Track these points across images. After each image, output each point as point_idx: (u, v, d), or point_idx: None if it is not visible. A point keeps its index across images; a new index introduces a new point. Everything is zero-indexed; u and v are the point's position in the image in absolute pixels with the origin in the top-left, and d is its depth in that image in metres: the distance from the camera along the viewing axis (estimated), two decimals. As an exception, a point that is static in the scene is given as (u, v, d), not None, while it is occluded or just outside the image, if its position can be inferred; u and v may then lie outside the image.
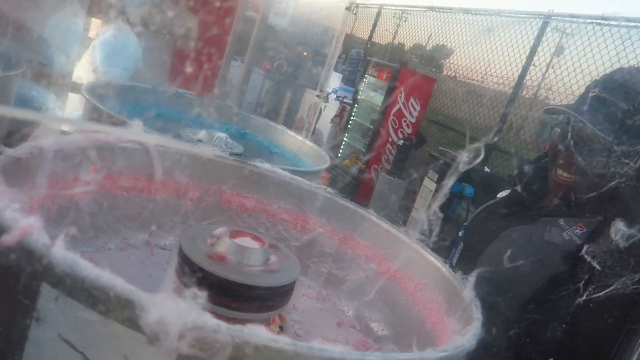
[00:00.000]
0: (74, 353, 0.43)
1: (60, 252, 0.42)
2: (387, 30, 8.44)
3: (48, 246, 0.42)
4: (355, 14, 7.04)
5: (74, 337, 0.43)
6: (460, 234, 1.35)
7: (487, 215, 1.32)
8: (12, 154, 0.60)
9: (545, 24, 4.71)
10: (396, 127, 5.23)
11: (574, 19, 4.37)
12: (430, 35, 7.02)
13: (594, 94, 1.09)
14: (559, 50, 4.82)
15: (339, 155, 5.85)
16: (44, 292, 0.44)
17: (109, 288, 0.40)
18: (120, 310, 0.40)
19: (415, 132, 5.30)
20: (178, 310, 0.38)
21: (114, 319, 0.41)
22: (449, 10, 6.32)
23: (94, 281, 0.40)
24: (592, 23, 4.11)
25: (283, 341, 0.40)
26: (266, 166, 0.97)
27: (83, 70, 2.02)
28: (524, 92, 5.17)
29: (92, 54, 1.96)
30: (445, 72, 6.75)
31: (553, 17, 4.62)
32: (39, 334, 0.45)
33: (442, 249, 1.16)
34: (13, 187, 0.55)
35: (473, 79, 5.93)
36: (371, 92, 5.75)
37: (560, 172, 1.12)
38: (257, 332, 0.40)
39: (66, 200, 0.75)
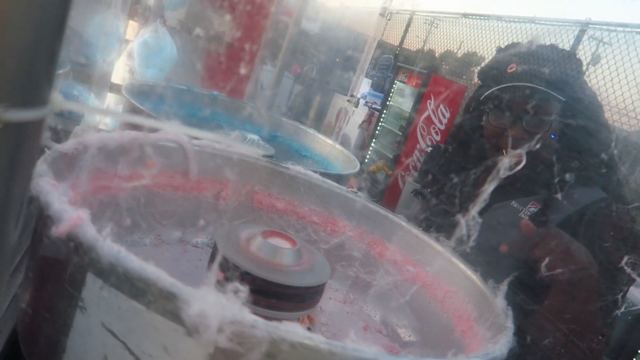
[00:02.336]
0: (115, 342, 0.45)
1: (107, 244, 0.44)
2: (417, 36, 8.39)
3: (95, 238, 0.44)
4: (389, 19, 7.02)
5: (116, 327, 0.45)
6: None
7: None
8: (59, 149, 0.63)
9: (582, 33, 4.61)
10: (425, 133, 5.19)
11: (612, 28, 4.26)
12: (462, 42, 6.95)
13: (513, 69, 1.12)
14: (595, 60, 4.70)
15: (366, 160, 5.84)
16: (89, 282, 0.46)
17: (152, 280, 0.41)
18: (163, 302, 0.42)
19: (444, 140, 5.25)
20: (219, 304, 0.39)
21: (156, 311, 0.43)
22: (482, 17, 6.25)
23: (138, 273, 0.42)
24: (631, 32, 4.00)
25: (318, 339, 0.41)
26: (298, 168, 0.98)
27: (121, 71, 2.09)
28: (558, 102, 5.06)
29: (130, 55, 2.02)
30: (476, 80, 6.65)
31: (590, 25, 4.52)
32: (83, 322, 0.47)
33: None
34: (60, 181, 0.58)
35: (505, 88, 5.82)
36: (400, 98, 5.73)
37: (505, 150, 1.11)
38: (294, 330, 0.41)
39: (106, 196, 0.77)
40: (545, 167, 1.09)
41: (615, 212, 1.06)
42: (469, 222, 0.57)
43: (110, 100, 1.79)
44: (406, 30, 8.52)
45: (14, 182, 0.22)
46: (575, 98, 1.09)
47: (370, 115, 6.25)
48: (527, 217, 1.07)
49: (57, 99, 0.24)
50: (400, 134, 5.43)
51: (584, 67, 1.27)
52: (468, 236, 0.59)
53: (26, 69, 0.21)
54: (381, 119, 5.94)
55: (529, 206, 1.11)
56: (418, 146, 5.22)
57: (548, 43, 1.25)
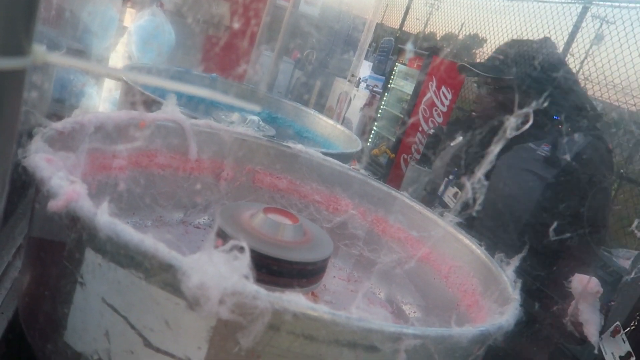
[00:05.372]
0: (116, 316, 0.44)
1: (104, 218, 0.43)
2: (418, 18, 8.30)
3: (92, 212, 0.43)
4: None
5: (116, 301, 0.44)
6: (450, 176, 1.59)
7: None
8: (55, 127, 0.62)
9: (585, 10, 4.54)
10: (427, 116, 5.15)
11: (616, 4, 4.19)
12: (463, 23, 6.86)
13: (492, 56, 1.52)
14: (599, 38, 4.64)
15: (368, 144, 5.82)
16: (88, 257, 0.45)
17: (151, 252, 0.40)
18: (162, 274, 0.41)
19: (446, 121, 5.22)
20: (219, 275, 0.38)
21: (156, 284, 0.42)
22: (483, -3, 6.16)
23: (137, 246, 0.41)
24: (635, 8, 3.93)
25: (321, 310, 0.40)
26: (299, 147, 0.97)
27: (118, 57, 2.06)
28: (561, 82, 5.01)
29: (127, 39, 2.00)
30: (478, 61, 6.59)
31: (593, 3, 4.45)
32: (83, 298, 0.46)
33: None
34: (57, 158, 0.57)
35: (507, 68, 5.76)
36: (402, 81, 5.68)
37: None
38: (296, 300, 0.40)
39: (105, 176, 0.77)
40: (545, 122, 1.43)
41: (604, 147, 1.42)
42: (474, 184, 0.57)
43: (108, 85, 1.77)
44: (406, 13, 8.42)
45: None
46: (544, 77, 1.44)
47: (371, 99, 6.20)
48: (542, 155, 1.39)
49: (39, 50, 0.23)
50: (402, 116, 5.40)
51: (559, 48, 1.75)
52: (474, 200, 0.59)
53: (4, 18, 0.20)
54: (383, 102, 5.90)
55: (542, 146, 1.40)
56: (420, 128, 5.19)
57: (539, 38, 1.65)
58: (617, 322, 1.04)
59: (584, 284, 1.08)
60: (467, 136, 1.62)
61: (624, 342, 1.00)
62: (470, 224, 1.21)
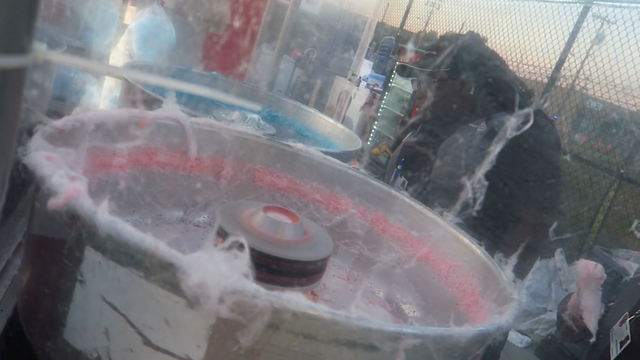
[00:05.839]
0: (115, 315, 0.44)
1: (104, 216, 0.43)
2: (418, 17, 8.30)
3: (93, 210, 0.43)
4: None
5: (116, 300, 0.45)
6: (398, 166, 1.76)
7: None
8: (56, 125, 0.61)
9: (586, 10, 4.53)
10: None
11: (617, 4, 4.19)
12: (464, 23, 6.86)
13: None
14: (599, 38, 4.64)
15: (368, 143, 5.82)
16: (88, 255, 0.45)
17: (151, 251, 0.40)
18: (162, 273, 0.41)
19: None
20: (218, 273, 0.38)
21: (155, 282, 0.42)
22: (484, -4, 6.16)
23: (136, 244, 0.41)
24: (636, 8, 3.93)
25: (321, 309, 0.40)
26: (299, 146, 0.97)
27: (118, 55, 2.06)
28: (561, 82, 5.01)
29: (127, 37, 2.00)
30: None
31: (595, 3, 4.44)
32: (82, 296, 0.46)
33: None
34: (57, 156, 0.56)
35: (507, 68, 5.75)
36: (402, 80, 5.68)
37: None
38: (296, 299, 0.40)
39: (105, 174, 0.77)
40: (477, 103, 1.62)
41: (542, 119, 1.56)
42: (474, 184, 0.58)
43: (108, 83, 1.77)
44: (407, 12, 8.42)
45: (-3, 132, 0.21)
46: (479, 63, 1.59)
47: (372, 98, 6.20)
48: (482, 131, 1.56)
49: (40, 48, 0.22)
50: (403, 115, 5.40)
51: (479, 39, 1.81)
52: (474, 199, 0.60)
53: (5, 15, 0.20)
54: (383, 101, 5.90)
55: (482, 124, 1.58)
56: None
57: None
58: (626, 312, 1.05)
59: (589, 270, 1.08)
60: (415, 132, 1.78)
61: (627, 329, 1.01)
62: (424, 199, 1.34)
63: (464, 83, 1.62)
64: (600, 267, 1.11)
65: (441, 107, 1.66)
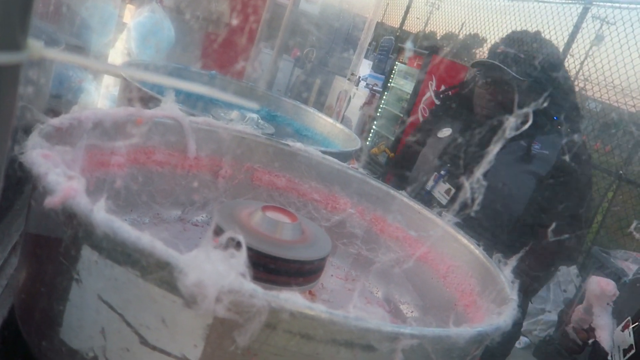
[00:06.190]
0: (112, 314, 0.44)
1: (101, 215, 0.42)
2: (418, 18, 8.30)
3: (89, 209, 0.43)
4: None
5: (113, 299, 0.44)
6: (442, 172, 1.62)
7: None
8: (53, 123, 0.61)
9: (585, 11, 4.54)
10: (426, 115, 5.15)
11: (616, 5, 4.19)
12: (463, 23, 6.86)
13: (500, 49, 1.51)
14: (599, 39, 4.64)
15: (367, 143, 5.82)
16: (85, 254, 0.45)
17: (148, 250, 0.40)
18: (159, 272, 0.41)
19: (445, 121, 5.20)
20: (216, 273, 0.38)
21: (153, 281, 0.42)
22: (483, -3, 6.16)
23: (134, 243, 0.41)
24: (635, 9, 3.93)
25: (319, 309, 0.40)
26: (298, 145, 0.97)
27: (117, 53, 2.06)
28: (560, 82, 5.00)
29: (126, 36, 1.99)
30: (483, 58, 6.58)
31: (594, 3, 4.44)
32: (79, 295, 0.46)
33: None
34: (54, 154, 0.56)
35: (506, 68, 5.76)
36: (401, 80, 5.68)
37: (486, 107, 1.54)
38: (293, 299, 0.40)
39: (103, 173, 0.76)
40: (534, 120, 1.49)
41: (586, 146, 1.57)
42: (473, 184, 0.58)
43: (107, 81, 1.77)
44: (406, 12, 8.42)
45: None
46: (542, 77, 1.48)
47: (371, 98, 6.20)
48: (534, 153, 1.49)
49: (35, 45, 0.22)
50: (402, 115, 5.40)
51: (558, 52, 1.70)
52: (472, 199, 0.60)
53: (-1, 11, 0.20)
54: (382, 101, 5.90)
55: (534, 145, 1.50)
56: (419, 128, 5.19)
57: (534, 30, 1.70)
58: (629, 317, 1.04)
59: (602, 287, 1.08)
60: (456, 130, 1.62)
61: (630, 336, 1.00)
62: (465, 222, 1.29)
63: (528, 95, 1.49)
64: (613, 283, 1.10)
65: (498, 117, 1.51)
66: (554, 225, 1.37)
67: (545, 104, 1.47)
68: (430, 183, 1.58)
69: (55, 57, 0.27)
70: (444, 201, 1.49)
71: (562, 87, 1.53)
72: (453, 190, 1.52)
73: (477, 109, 1.59)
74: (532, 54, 1.49)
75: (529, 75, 1.47)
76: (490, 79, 1.54)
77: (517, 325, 1.51)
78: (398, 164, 1.77)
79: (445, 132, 1.64)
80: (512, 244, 1.46)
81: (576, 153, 1.46)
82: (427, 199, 1.53)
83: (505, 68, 1.47)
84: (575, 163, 1.45)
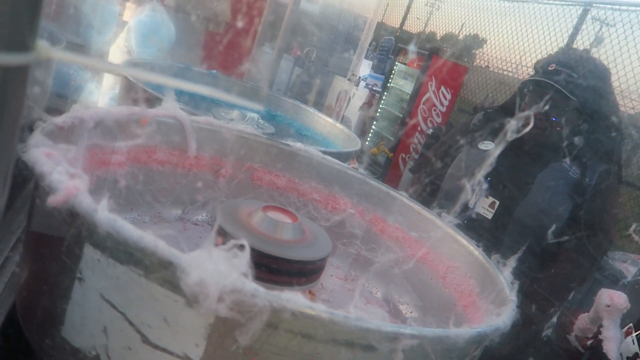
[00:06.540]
0: (114, 313, 0.44)
1: (104, 214, 0.43)
2: (418, 18, 8.31)
3: (92, 208, 0.43)
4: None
5: (114, 298, 0.44)
6: (484, 185, 1.60)
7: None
8: (55, 122, 0.61)
9: (585, 12, 4.54)
10: (426, 116, 5.15)
11: (616, 7, 4.19)
12: (463, 24, 6.87)
13: (552, 68, 1.52)
14: (598, 41, 4.65)
15: (367, 143, 5.82)
16: (87, 253, 0.45)
17: (151, 249, 0.40)
18: (161, 271, 0.41)
19: (445, 122, 5.22)
20: (218, 272, 0.38)
21: (155, 281, 0.42)
22: (483, -2, 6.16)
23: (136, 242, 0.41)
24: (635, 11, 3.94)
25: (320, 309, 0.40)
26: (298, 145, 0.97)
27: (118, 51, 2.06)
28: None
29: (127, 34, 1.99)
30: (477, 62, 6.61)
31: (594, 5, 4.45)
32: (81, 294, 0.46)
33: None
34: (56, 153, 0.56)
35: (506, 70, 5.78)
36: (401, 80, 5.68)
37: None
38: (295, 299, 0.40)
39: (104, 171, 0.76)
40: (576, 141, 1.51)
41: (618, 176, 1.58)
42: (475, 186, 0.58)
43: (107, 80, 1.77)
44: (406, 12, 8.42)
45: (0, 130, 0.21)
46: (592, 99, 1.47)
47: (371, 98, 6.21)
48: (574, 177, 1.51)
49: (43, 46, 0.22)
50: (401, 115, 5.40)
51: (609, 75, 1.65)
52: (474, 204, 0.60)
53: (9, 13, 0.20)
54: (382, 101, 5.90)
55: (574, 168, 1.52)
56: (419, 128, 5.20)
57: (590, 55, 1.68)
58: (630, 324, 1.04)
59: (615, 300, 1.07)
60: (500, 144, 1.58)
61: (634, 344, 1.00)
62: (490, 241, 1.28)
63: (585, 119, 1.49)
64: (624, 297, 1.10)
65: (547, 133, 1.52)
66: (569, 236, 1.41)
67: (593, 129, 1.49)
68: (472, 200, 1.55)
69: (62, 57, 0.27)
70: (489, 215, 1.48)
71: (606, 110, 1.52)
72: (497, 203, 1.51)
73: (532, 129, 1.51)
74: (584, 74, 1.49)
75: (581, 96, 1.47)
76: (542, 99, 1.49)
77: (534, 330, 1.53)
78: (418, 176, 1.74)
79: (488, 146, 1.62)
80: (537, 254, 1.48)
81: (611, 183, 1.50)
82: (469, 217, 1.50)
83: (561, 89, 1.46)
84: (609, 192, 1.49)
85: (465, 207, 1.53)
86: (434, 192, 1.67)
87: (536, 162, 1.56)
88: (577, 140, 1.50)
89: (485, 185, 1.54)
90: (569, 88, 1.46)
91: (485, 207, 1.53)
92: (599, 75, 1.54)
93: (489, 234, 1.45)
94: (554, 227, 1.43)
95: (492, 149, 1.59)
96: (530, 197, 1.51)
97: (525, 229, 1.48)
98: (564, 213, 1.47)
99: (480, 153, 1.60)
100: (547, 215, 1.47)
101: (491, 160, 1.53)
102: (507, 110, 1.68)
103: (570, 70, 1.48)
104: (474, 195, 1.53)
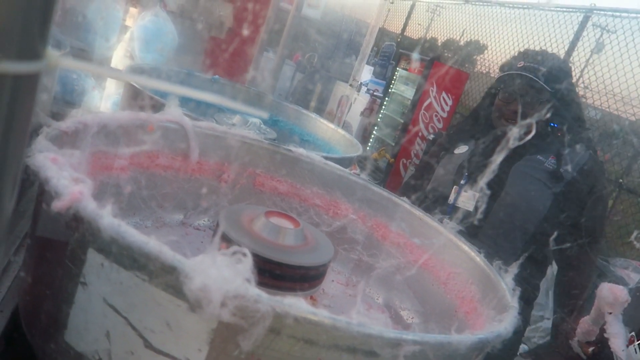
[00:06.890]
0: (117, 317, 0.45)
1: (108, 219, 0.43)
2: (419, 24, 8.33)
3: (96, 213, 0.43)
4: (391, 2, 6.95)
5: (118, 302, 0.45)
6: (462, 181, 1.60)
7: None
8: (59, 127, 0.62)
9: (586, 19, 4.55)
10: (427, 121, 5.16)
11: (617, 14, 4.21)
12: (464, 30, 6.89)
13: (521, 65, 1.54)
14: (599, 47, 4.66)
15: (368, 148, 5.83)
16: (91, 258, 0.46)
17: (154, 254, 0.41)
18: (164, 276, 0.41)
19: (446, 127, 5.23)
20: (221, 278, 0.39)
21: (158, 286, 0.42)
22: (485, 4, 6.19)
23: (140, 247, 0.41)
24: (636, 18, 3.95)
25: (322, 314, 0.41)
26: (300, 151, 0.97)
27: (120, 56, 2.07)
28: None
29: (129, 39, 2.00)
30: (478, 68, 6.63)
31: (595, 12, 4.46)
32: (84, 298, 0.47)
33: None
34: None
35: (507, 75, 5.77)
36: (402, 86, 5.70)
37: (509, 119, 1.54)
38: (297, 304, 0.40)
39: (107, 176, 0.77)
40: (549, 133, 1.55)
41: (599, 159, 1.56)
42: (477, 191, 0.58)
43: (110, 84, 1.78)
44: (408, 18, 8.45)
45: (10, 137, 0.21)
46: (563, 91, 1.52)
47: (372, 103, 6.22)
48: (550, 168, 1.51)
49: (53, 55, 0.23)
50: (403, 121, 5.41)
51: (571, 69, 1.70)
52: (476, 208, 0.60)
53: (20, 22, 0.20)
54: (383, 107, 5.91)
55: (549, 159, 1.52)
56: (420, 134, 5.20)
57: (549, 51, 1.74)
58: (632, 333, 1.03)
59: (616, 294, 1.06)
60: (472, 145, 1.63)
61: (636, 353, 0.99)
62: (473, 232, 1.28)
63: (532, 107, 1.51)
64: (625, 289, 1.09)
65: (516, 129, 1.45)
66: (556, 234, 1.39)
67: (566, 120, 1.52)
68: (452, 196, 1.58)
69: (71, 65, 0.28)
70: (469, 207, 1.49)
71: (575, 101, 1.56)
72: (478, 195, 1.52)
73: (497, 121, 1.59)
74: (550, 67, 1.53)
75: (553, 88, 1.50)
76: (514, 91, 1.54)
77: (518, 334, 1.52)
78: (412, 184, 1.76)
79: (462, 149, 1.65)
80: (516, 252, 1.47)
81: (590, 168, 1.50)
82: (453, 212, 1.51)
83: (535, 78, 1.50)
84: (590, 178, 1.48)
85: (446, 202, 1.56)
86: (420, 198, 1.67)
87: (512, 155, 1.55)
88: (551, 131, 1.55)
89: (463, 181, 1.57)
90: (542, 81, 1.51)
91: (464, 200, 1.55)
92: (564, 69, 1.59)
93: (473, 227, 1.45)
94: (536, 217, 1.45)
95: (464, 152, 1.63)
96: (507, 188, 1.52)
97: (505, 221, 1.48)
98: (543, 201, 1.48)
99: (456, 158, 1.64)
100: (527, 204, 1.47)
101: (468, 156, 1.58)
102: (478, 113, 1.71)
103: (538, 65, 1.53)
104: (453, 191, 1.57)
